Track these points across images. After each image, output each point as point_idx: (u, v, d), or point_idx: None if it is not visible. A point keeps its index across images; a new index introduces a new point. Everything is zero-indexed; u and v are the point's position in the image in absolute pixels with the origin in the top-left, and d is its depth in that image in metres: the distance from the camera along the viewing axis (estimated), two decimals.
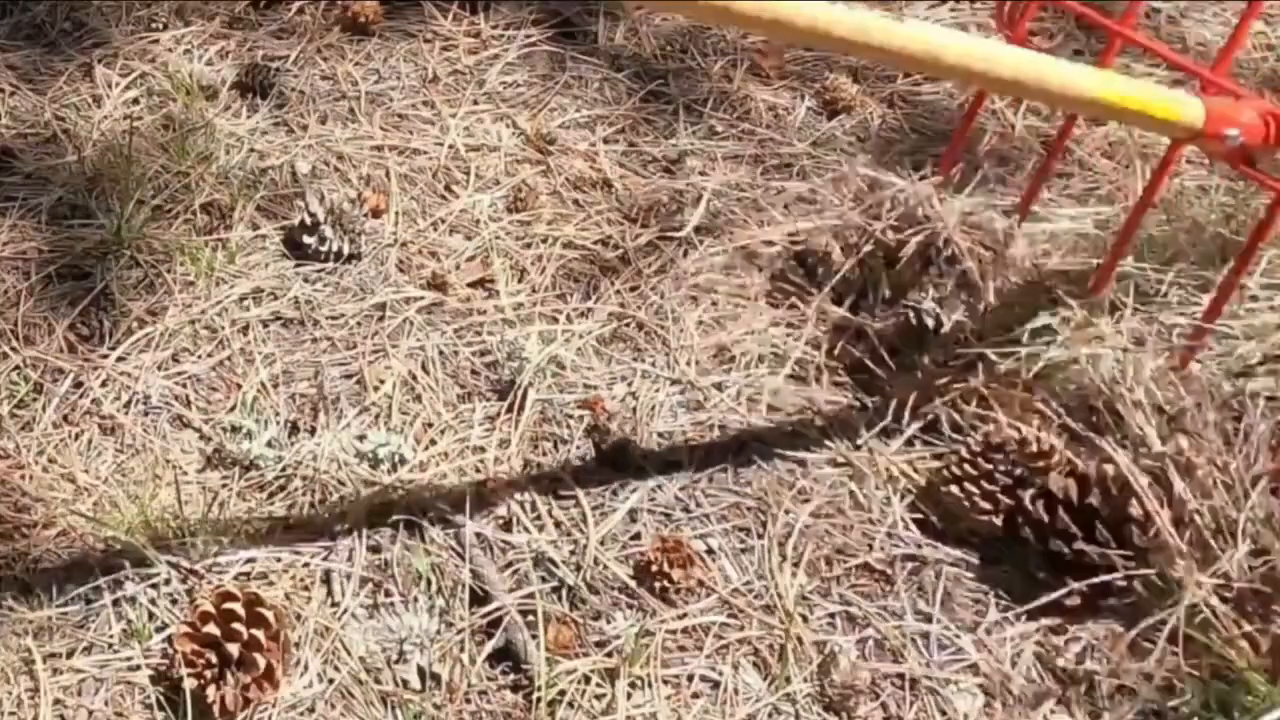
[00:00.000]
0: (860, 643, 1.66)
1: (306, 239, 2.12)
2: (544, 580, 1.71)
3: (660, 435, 1.89)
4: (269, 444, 1.85)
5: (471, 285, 2.11)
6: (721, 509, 1.80)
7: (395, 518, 1.77)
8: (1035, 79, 1.60)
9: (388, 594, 1.70)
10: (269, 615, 1.59)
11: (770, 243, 2.11)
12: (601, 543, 1.75)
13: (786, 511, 1.78)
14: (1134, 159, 2.33)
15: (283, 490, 1.82)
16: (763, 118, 2.43)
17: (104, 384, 1.95)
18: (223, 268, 2.11)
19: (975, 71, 1.58)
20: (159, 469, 1.84)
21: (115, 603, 1.68)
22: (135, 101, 2.38)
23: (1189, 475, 1.65)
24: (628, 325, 2.03)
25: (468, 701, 1.60)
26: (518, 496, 1.80)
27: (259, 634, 1.57)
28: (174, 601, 1.68)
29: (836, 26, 1.45)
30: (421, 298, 2.08)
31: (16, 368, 1.96)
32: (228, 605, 1.59)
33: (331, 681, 1.62)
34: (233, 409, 1.92)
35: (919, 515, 1.79)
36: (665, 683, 1.62)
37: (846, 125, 2.42)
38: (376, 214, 2.20)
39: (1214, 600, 1.57)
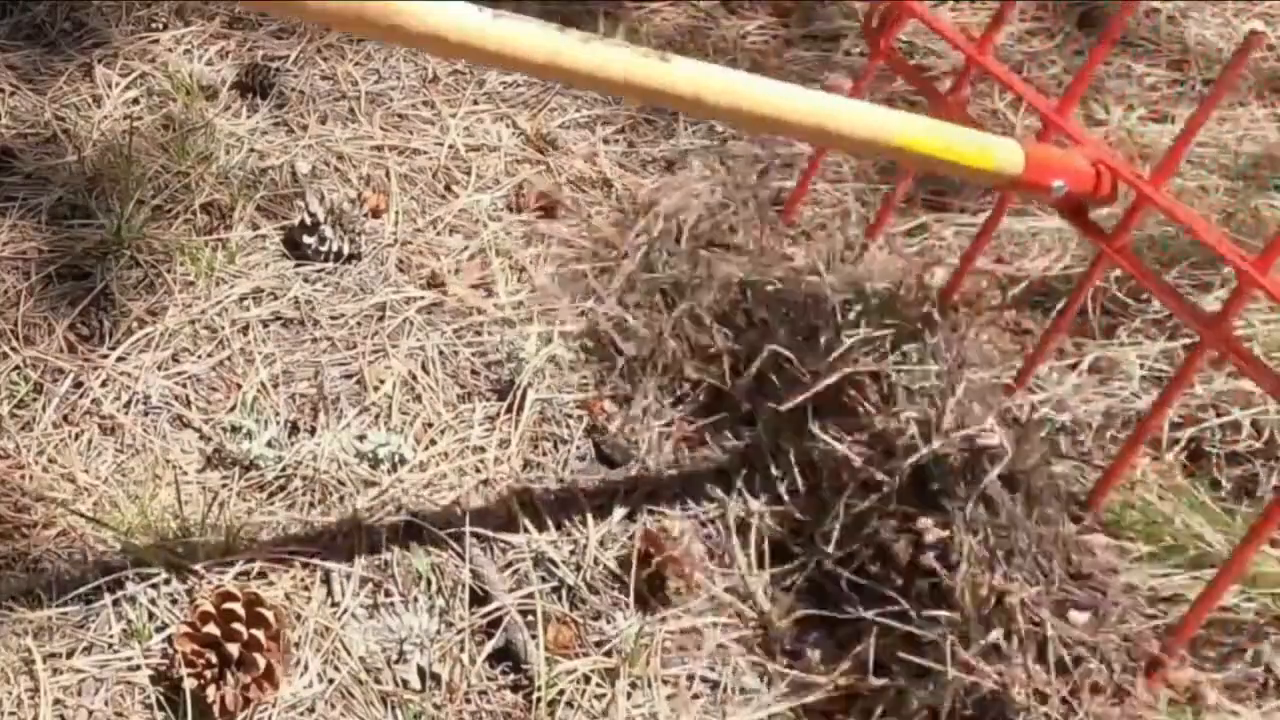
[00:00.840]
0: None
1: (306, 239, 2.12)
2: (544, 580, 1.71)
3: (661, 433, 1.89)
4: (269, 444, 1.85)
5: (471, 285, 2.11)
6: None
7: (395, 518, 1.77)
8: (828, 124, 1.47)
9: (387, 594, 1.70)
10: (269, 615, 1.59)
11: None
12: (601, 543, 1.75)
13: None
14: (1135, 159, 2.34)
15: (283, 490, 1.82)
16: None
17: (104, 384, 1.95)
18: (223, 268, 2.11)
19: (757, 115, 1.43)
20: (159, 469, 1.84)
21: (115, 603, 1.68)
22: (135, 101, 2.38)
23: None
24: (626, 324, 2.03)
25: (467, 701, 1.61)
26: (518, 496, 1.80)
27: (259, 634, 1.57)
28: (174, 601, 1.68)
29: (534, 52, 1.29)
30: (421, 298, 2.08)
31: (16, 368, 1.96)
32: (228, 605, 1.59)
33: (331, 681, 1.62)
34: (233, 409, 1.92)
35: None
36: (665, 683, 1.62)
37: None
38: (376, 214, 2.20)
39: None
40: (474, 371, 1.97)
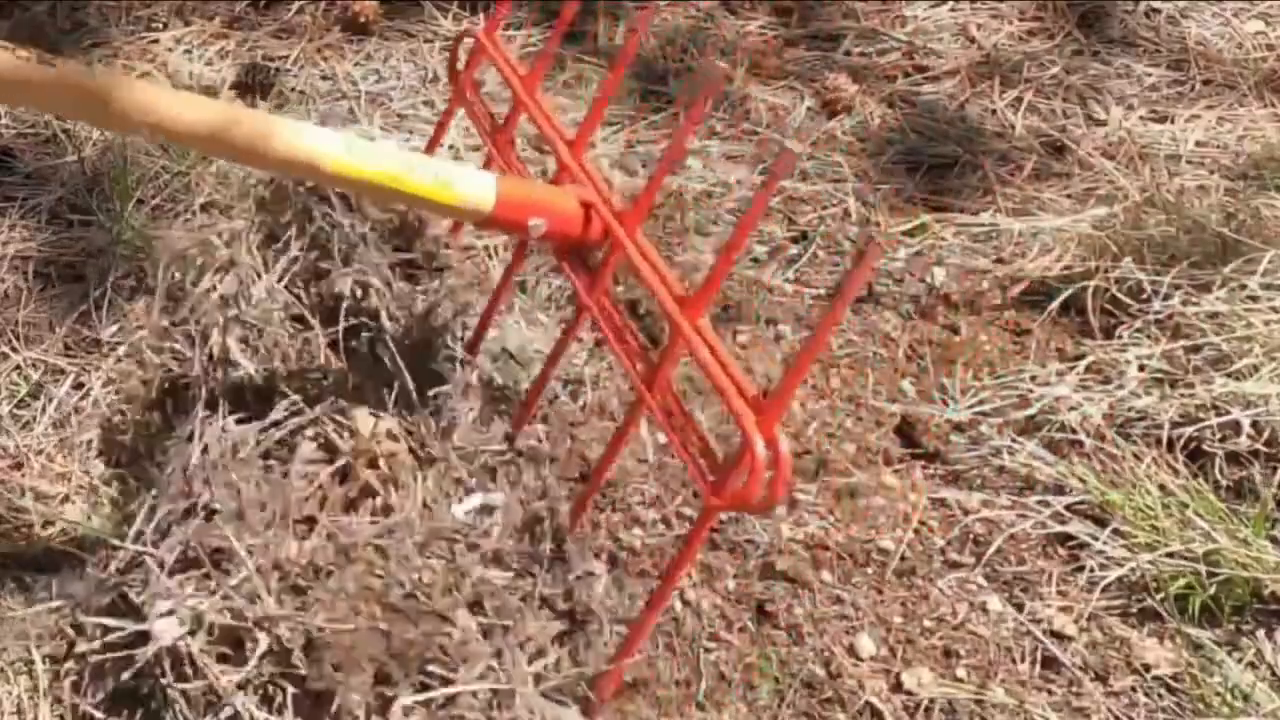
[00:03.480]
0: None
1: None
2: None
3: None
4: None
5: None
6: None
7: None
8: (241, 139, 1.37)
9: None
10: None
11: None
12: None
13: None
14: (1135, 159, 2.34)
15: None
16: (763, 118, 2.43)
17: (104, 384, 1.94)
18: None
19: (156, 125, 1.34)
20: None
21: None
22: None
23: None
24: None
25: None
26: None
27: None
28: None
29: None
30: None
31: (17, 367, 1.96)
32: None
33: None
34: None
35: None
36: None
37: (846, 125, 2.42)
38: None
39: None
40: None
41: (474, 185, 1.53)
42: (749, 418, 1.31)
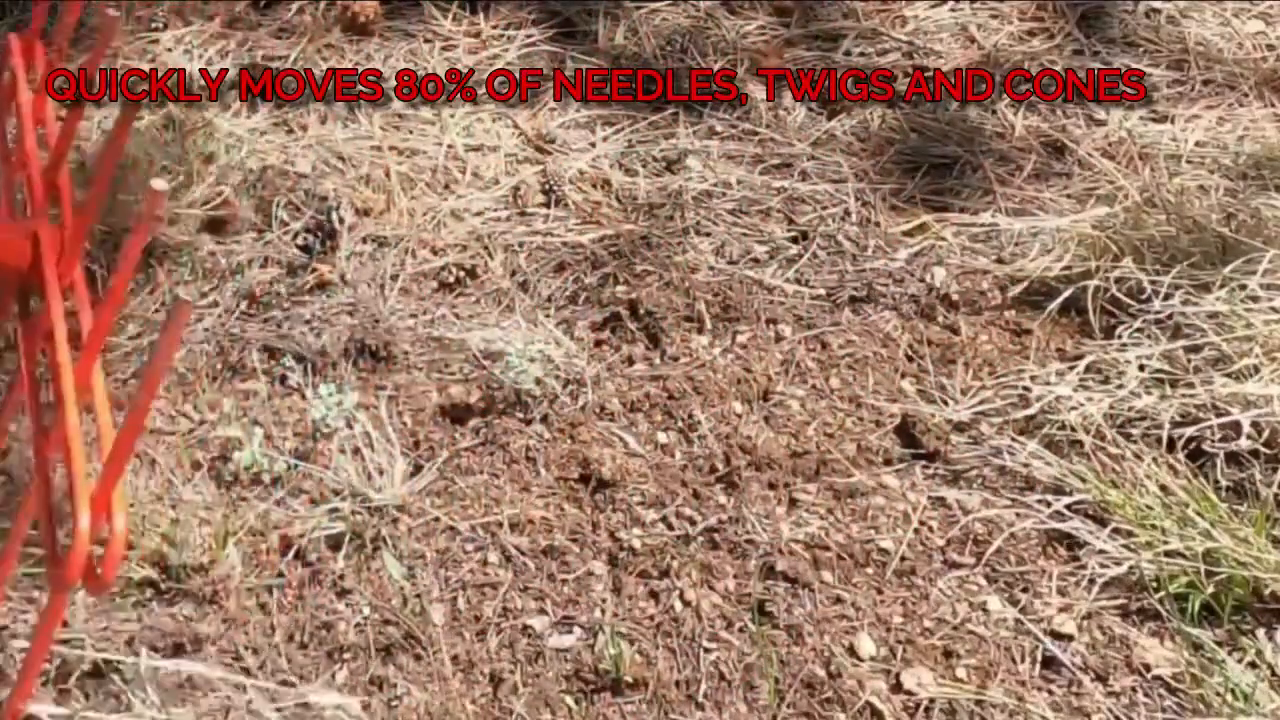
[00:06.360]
0: None
1: (308, 238, 2.13)
2: None
3: None
4: (262, 450, 1.84)
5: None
6: None
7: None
8: None
9: None
10: None
11: None
12: None
13: None
14: (1134, 159, 2.34)
15: (280, 502, 1.82)
16: (763, 118, 2.43)
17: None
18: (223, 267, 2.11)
19: None
20: (152, 474, 1.84)
21: None
22: None
23: None
24: (624, 323, 2.03)
25: None
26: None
27: None
28: None
29: None
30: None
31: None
32: None
33: None
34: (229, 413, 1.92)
35: None
36: None
37: (846, 125, 2.42)
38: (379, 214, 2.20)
39: None
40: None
41: None
42: (84, 490, 1.10)
